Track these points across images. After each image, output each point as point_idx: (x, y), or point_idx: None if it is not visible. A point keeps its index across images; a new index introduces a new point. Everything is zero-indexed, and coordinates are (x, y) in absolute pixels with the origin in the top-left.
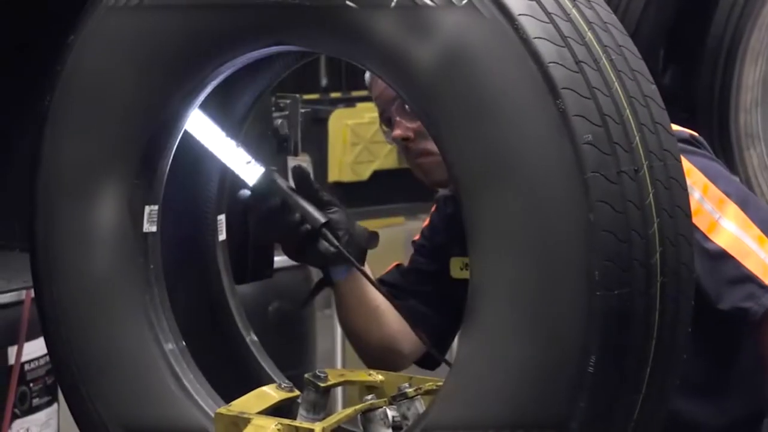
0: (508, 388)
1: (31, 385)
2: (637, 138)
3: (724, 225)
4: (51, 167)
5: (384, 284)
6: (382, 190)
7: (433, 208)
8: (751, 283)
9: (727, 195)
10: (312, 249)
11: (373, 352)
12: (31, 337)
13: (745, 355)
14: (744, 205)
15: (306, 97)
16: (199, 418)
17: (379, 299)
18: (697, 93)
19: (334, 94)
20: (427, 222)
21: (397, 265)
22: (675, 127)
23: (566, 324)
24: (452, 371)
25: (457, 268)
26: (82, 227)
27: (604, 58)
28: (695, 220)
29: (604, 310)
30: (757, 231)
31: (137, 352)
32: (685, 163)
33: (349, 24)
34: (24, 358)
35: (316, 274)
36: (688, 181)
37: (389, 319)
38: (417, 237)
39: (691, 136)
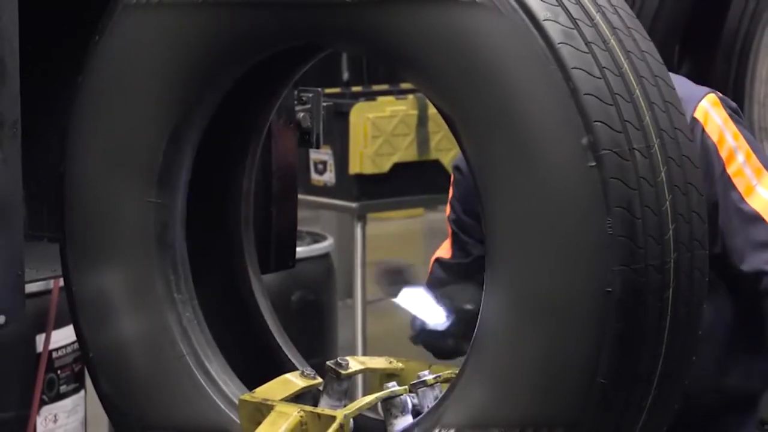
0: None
1: (59, 372)
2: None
3: (760, 192)
4: (77, 159)
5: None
6: (401, 182)
7: (452, 178)
8: None
9: (765, 168)
10: None
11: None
12: (59, 325)
13: (751, 331)
14: None
15: (328, 90)
16: (224, 405)
17: None
18: (711, 86)
19: (356, 88)
20: (451, 193)
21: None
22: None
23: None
24: (464, 365)
25: None
26: (108, 218)
27: (612, 40)
28: (735, 180)
29: (619, 286)
30: None
31: (163, 340)
32: (734, 128)
33: (371, 22)
34: (52, 346)
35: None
36: (735, 143)
37: None
38: (448, 212)
39: (738, 108)
